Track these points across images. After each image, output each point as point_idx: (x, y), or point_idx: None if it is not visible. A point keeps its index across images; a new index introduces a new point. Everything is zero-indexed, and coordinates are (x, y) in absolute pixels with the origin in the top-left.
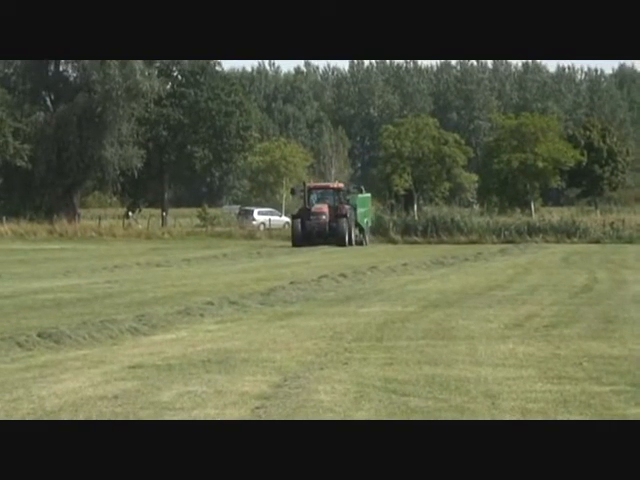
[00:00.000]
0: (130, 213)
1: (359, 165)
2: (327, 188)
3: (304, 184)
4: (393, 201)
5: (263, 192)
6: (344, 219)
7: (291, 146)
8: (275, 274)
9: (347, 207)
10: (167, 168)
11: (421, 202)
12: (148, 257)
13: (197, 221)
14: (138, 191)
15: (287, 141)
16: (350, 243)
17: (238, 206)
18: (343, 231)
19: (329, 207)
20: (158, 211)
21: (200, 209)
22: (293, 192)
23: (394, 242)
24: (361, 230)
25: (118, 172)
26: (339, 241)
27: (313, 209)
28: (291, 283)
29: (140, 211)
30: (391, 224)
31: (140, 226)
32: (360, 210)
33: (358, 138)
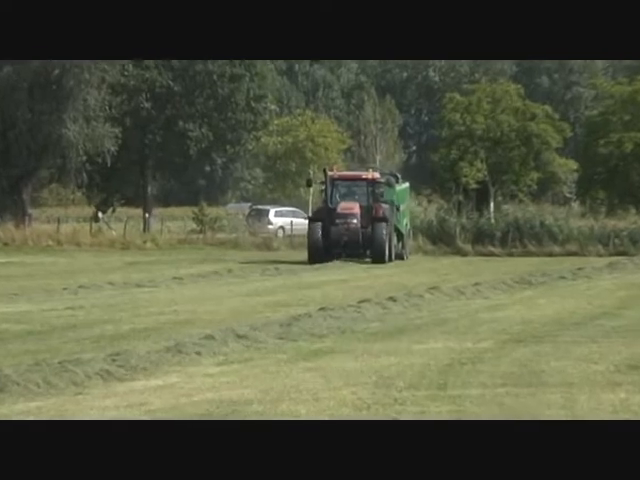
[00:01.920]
0: (100, 214)
1: (414, 148)
2: (358, 179)
3: (325, 173)
4: (461, 197)
5: (282, 185)
6: (383, 224)
7: (321, 122)
8: (299, 297)
9: (385, 206)
10: (151, 153)
11: (499, 199)
12: (125, 274)
13: (192, 225)
14: (111, 184)
15: (315, 116)
16: (390, 258)
17: (248, 204)
18: (382, 241)
19: (361, 207)
20: (139, 211)
21: (196, 209)
22: (309, 184)
23: (462, 253)
24: (400, 237)
25: (84, 158)
26: (376, 256)
27: (339, 209)
28: (321, 309)
29: (114, 211)
30: (458, 229)
31: (114, 232)
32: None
33: (413, 111)
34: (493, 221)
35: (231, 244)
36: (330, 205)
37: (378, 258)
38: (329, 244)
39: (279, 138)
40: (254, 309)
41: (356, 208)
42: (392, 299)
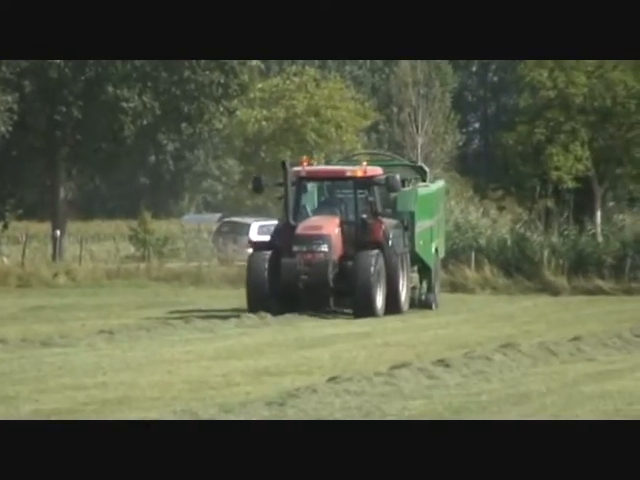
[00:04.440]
0: None
1: (476, 126)
2: (340, 177)
3: (284, 168)
4: (550, 203)
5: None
6: (373, 253)
7: (331, 86)
8: (297, 360)
9: (390, 223)
10: (65, 135)
11: (610, 204)
12: (24, 326)
13: (129, 248)
14: (3, 184)
15: (322, 75)
16: (396, 307)
17: (217, 215)
18: (368, 281)
19: (341, 223)
20: (46, 227)
21: (135, 223)
22: (258, 188)
23: (554, 291)
24: (424, 273)
25: None
26: (359, 305)
27: (299, 229)
28: (331, 380)
29: (6, 227)
30: (546, 253)
31: (6, 259)
32: (421, 224)
33: (474, 68)
34: (601, 239)
35: (190, 278)
36: (292, 222)
37: (361, 308)
38: (279, 287)
39: (265, 111)
40: (226, 380)
41: (328, 227)
42: (444, 363)
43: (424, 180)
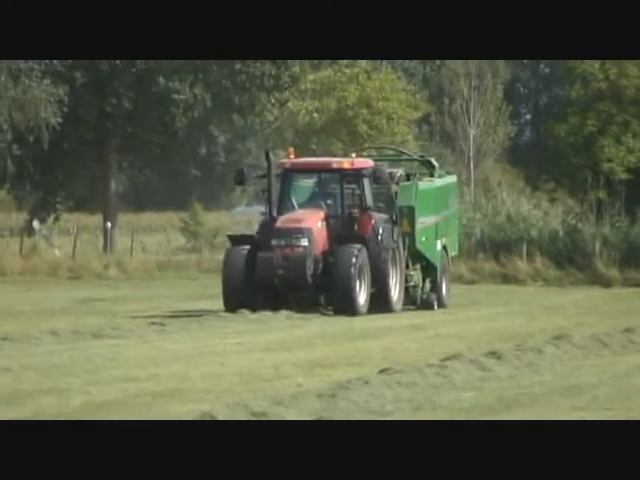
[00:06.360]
0: (36, 223)
1: (527, 117)
2: (326, 169)
3: (267, 158)
4: (602, 194)
5: None
6: (354, 248)
7: (382, 77)
8: (348, 352)
9: (378, 217)
10: (115, 127)
11: None
12: (75, 318)
13: (180, 240)
14: (53, 177)
15: (373, 67)
16: (386, 306)
17: None
18: (348, 276)
19: (327, 216)
20: (96, 219)
21: (186, 215)
22: (240, 180)
23: (605, 282)
24: (428, 271)
25: (9, 136)
26: (338, 301)
27: (278, 222)
28: (383, 372)
29: (58, 219)
30: (598, 244)
31: (58, 251)
32: (423, 220)
33: (525, 60)
34: None
35: None
36: (274, 214)
37: (341, 305)
38: (254, 282)
39: (316, 102)
40: (277, 372)
41: (310, 220)
42: (495, 355)
43: (432, 175)
